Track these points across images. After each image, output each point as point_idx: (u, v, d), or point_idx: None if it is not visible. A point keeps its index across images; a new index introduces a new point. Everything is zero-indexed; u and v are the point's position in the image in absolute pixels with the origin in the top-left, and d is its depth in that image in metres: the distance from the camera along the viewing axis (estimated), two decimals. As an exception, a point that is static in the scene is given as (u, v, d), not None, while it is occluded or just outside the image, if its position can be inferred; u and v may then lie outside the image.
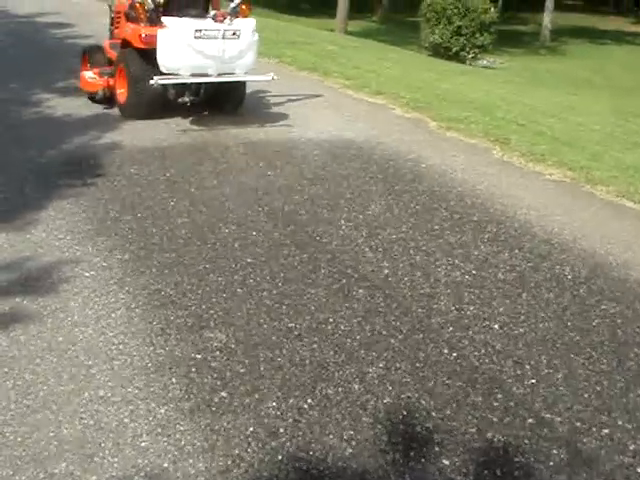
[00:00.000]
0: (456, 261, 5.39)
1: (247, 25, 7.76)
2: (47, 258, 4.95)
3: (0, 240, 5.20)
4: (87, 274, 4.76)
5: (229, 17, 7.57)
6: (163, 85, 7.54)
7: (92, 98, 8.50)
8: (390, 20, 41.57)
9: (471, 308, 4.73)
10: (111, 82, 8.22)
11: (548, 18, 32.49)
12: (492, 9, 21.61)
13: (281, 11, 36.99)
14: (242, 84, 8.31)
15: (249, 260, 5.10)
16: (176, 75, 7.45)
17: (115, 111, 8.57)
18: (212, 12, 7.76)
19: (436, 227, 5.99)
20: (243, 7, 7.86)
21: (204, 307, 4.44)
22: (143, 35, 7.55)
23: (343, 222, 5.90)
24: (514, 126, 9.49)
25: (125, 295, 4.53)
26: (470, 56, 21.26)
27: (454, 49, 21.10)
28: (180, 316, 4.33)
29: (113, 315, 4.30)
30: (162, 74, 7.37)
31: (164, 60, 7.35)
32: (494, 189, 6.99)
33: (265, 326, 4.29)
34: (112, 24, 8.61)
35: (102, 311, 4.33)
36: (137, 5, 7.65)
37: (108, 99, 8.36)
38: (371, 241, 5.59)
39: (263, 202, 6.16)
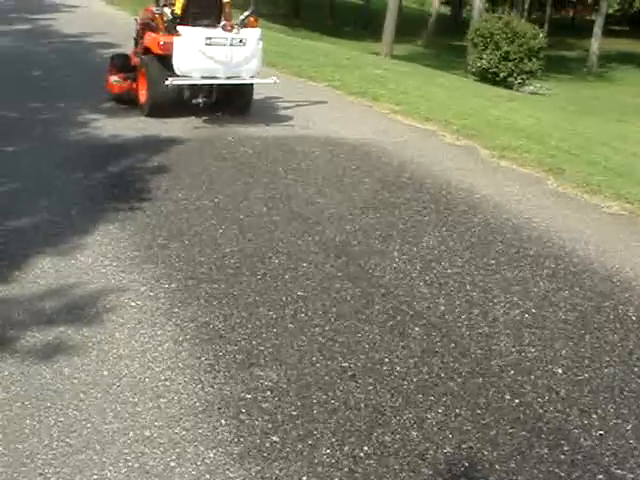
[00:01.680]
0: (514, 298, 5.15)
1: (253, 34, 8.74)
2: (93, 285, 4.79)
3: (46, 264, 5.04)
4: (133, 303, 4.59)
5: (237, 27, 8.53)
6: (178, 86, 8.43)
7: (117, 99, 9.52)
8: (434, 44, 41.49)
9: (532, 350, 4.49)
10: (134, 85, 9.20)
11: (596, 44, 32.16)
12: (541, 34, 21.29)
13: (326, 33, 37.02)
14: (249, 87, 9.20)
15: (300, 293, 4.90)
16: (189, 77, 8.38)
17: (161, 133, 8.49)
18: (222, 22, 8.63)
19: (492, 261, 5.75)
20: (251, 19, 9.01)
21: (254, 342, 4.26)
22: (161, 42, 8.49)
23: (396, 254, 5.68)
24: (567, 155, 9.24)
25: (172, 327, 4.35)
26: (518, 82, 20.96)
27: (502, 74, 20.85)
28: (229, 351, 4.14)
29: (160, 348, 4.13)
30: (177, 77, 8.28)
31: (178, 64, 8.31)
32: (550, 222, 6.75)
33: (318, 365, 4.09)
34: (137, 35, 9.51)
35: (149, 344, 4.16)
36: (157, 17, 8.66)
37: (131, 100, 9.32)
38: (426, 275, 5.37)
39: (313, 231, 5.97)
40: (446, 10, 50.72)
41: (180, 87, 8.54)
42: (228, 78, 8.66)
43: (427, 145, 9.12)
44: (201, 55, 8.31)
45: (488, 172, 8.22)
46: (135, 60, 9.39)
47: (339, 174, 7.54)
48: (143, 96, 9.07)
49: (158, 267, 5.14)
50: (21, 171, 6.95)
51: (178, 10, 8.70)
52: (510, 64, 20.78)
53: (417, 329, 4.60)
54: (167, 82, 8.22)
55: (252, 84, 9.19)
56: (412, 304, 4.92)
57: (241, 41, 8.54)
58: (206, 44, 8.32)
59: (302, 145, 8.45)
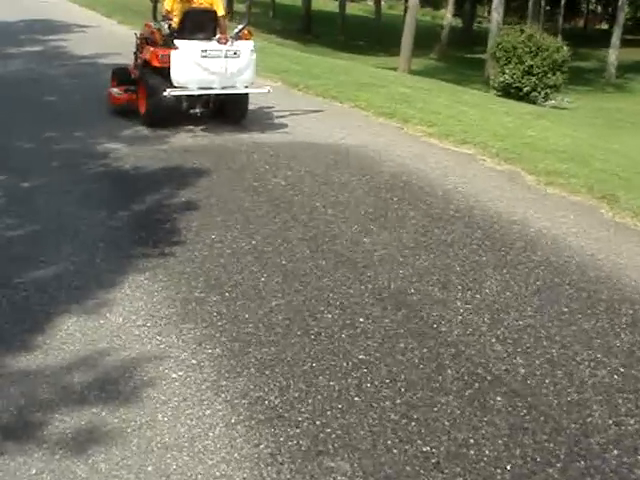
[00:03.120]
0: (598, 355, 4.57)
1: (246, 46, 9.14)
2: (126, 352, 4.20)
3: (71, 326, 4.46)
4: (174, 375, 4.00)
5: (231, 40, 8.97)
6: (176, 97, 8.83)
7: (117, 110, 9.79)
8: (447, 57, 41.09)
9: (631, 422, 3.93)
10: (134, 97, 9.50)
11: (614, 55, 31.56)
12: (564, 47, 20.72)
13: (339, 49, 36.59)
14: (244, 97, 9.53)
15: (361, 357, 4.31)
16: (186, 88, 8.79)
17: (186, 163, 7.95)
18: (217, 36, 9.01)
19: (564, 309, 5.15)
20: (245, 32, 9.42)
21: (318, 423, 3.66)
22: (159, 55, 8.83)
23: (459, 303, 5.08)
24: (617, 179, 8.65)
25: (222, 405, 3.76)
26: (542, 96, 20.37)
27: (525, 89, 20.26)
28: (292, 436, 3.54)
29: (211, 434, 3.53)
30: (175, 88, 8.66)
31: (176, 75, 8.69)
32: (616, 258, 6.16)
33: (395, 451, 3.50)
34: (137, 49, 9.80)
35: (197, 428, 3.57)
36: (155, 31, 9.05)
37: (131, 111, 9.55)
38: (496, 329, 4.77)
39: (365, 278, 5.36)
40: (457, 22, 50.14)
41: (178, 98, 8.95)
42: (223, 88, 9.05)
43: (468, 171, 8.51)
44: (197, 67, 8.73)
45: (537, 201, 7.62)
46: (135, 73, 9.71)
47: (382, 207, 6.95)
48: (142, 107, 9.35)
49: (198, 327, 4.54)
50: (39, 210, 6.38)
51: (175, 25, 9.03)
52: (534, 78, 20.20)
53: (499, 399, 4.01)
54: (165, 93, 8.65)
55: (247, 94, 9.54)
56: (488, 366, 4.32)
57: (235, 53, 8.96)
58: (202, 56, 8.74)
59: (337, 174, 7.85)
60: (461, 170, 8.55)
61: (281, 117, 10.40)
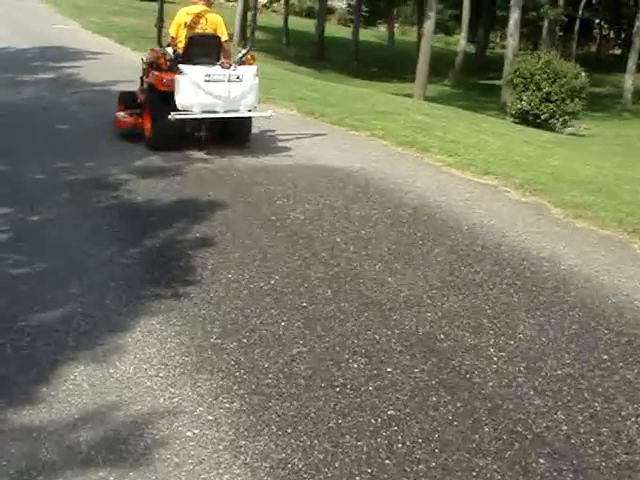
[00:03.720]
0: (645, 409, 4.17)
1: (249, 71, 9.23)
2: (137, 406, 3.88)
3: (79, 376, 4.16)
4: (189, 433, 3.68)
5: (234, 64, 9.13)
6: (180, 120, 8.87)
7: (123, 134, 9.85)
8: (461, 83, 40.90)
9: (688, 487, 3.51)
10: (139, 120, 9.57)
11: (630, 80, 31.25)
12: (583, 74, 20.43)
13: (353, 75, 36.48)
14: (248, 121, 9.63)
15: (391, 412, 3.98)
16: (190, 112, 8.85)
17: (201, 196, 7.70)
18: (220, 60, 9.15)
19: (604, 357, 4.82)
20: (248, 57, 9.58)
21: (347, 491, 3.29)
22: (164, 80, 8.95)
23: (492, 350, 4.75)
24: (647, 212, 8.28)
25: (242, 469, 3.44)
26: (559, 123, 20.06)
27: (543, 116, 19.94)
28: (319, 508, 3.18)
29: (229, 504, 3.17)
30: (179, 111, 8.72)
31: (180, 99, 8.77)
32: (654, 298, 5.78)
33: (434, 526, 3.12)
34: (143, 73, 9.91)
35: (215, 497, 3.21)
36: (160, 56, 9.15)
37: (137, 134, 9.60)
38: (533, 379, 4.44)
39: (391, 322, 5.04)
40: (470, 48, 50.03)
41: (182, 121, 9.00)
42: (227, 112, 9.13)
43: (493, 204, 8.19)
44: (201, 91, 8.84)
45: (566, 236, 7.29)
46: (141, 97, 9.84)
47: (405, 243, 6.63)
48: (147, 130, 9.44)
49: (214, 377, 4.22)
50: (47, 246, 6.09)
51: (180, 50, 9.22)
52: (552, 105, 19.89)
53: (542, 461, 3.68)
54: (170, 117, 8.69)
55: (250, 117, 9.61)
56: (527, 423, 3.99)
57: (238, 77, 9.06)
58: (205, 80, 8.86)
59: (358, 207, 7.54)
60: (485, 203, 8.23)
61: (298, 147, 10.13)
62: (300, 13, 62.89)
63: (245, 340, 4.68)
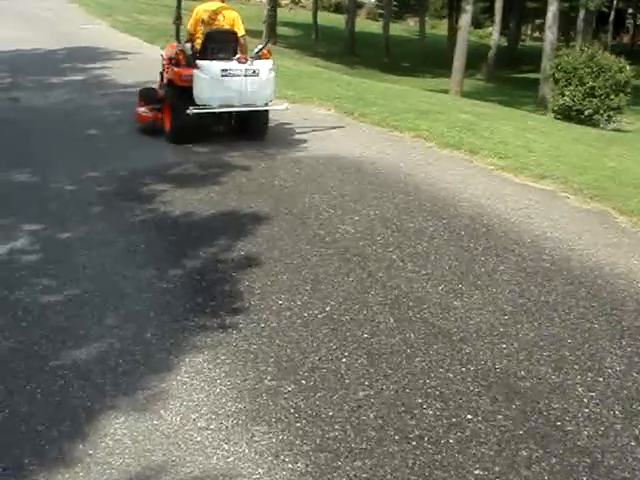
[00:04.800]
0: None
1: (265, 65, 9.38)
2: (187, 468, 3.37)
3: (119, 429, 3.64)
4: (249, 503, 3.10)
5: (250, 59, 9.28)
6: (198, 115, 9.01)
7: (145, 129, 10.03)
8: (494, 77, 40.15)
9: None
10: (159, 115, 9.81)
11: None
12: (627, 67, 19.66)
13: (384, 70, 35.88)
14: (265, 114, 9.75)
15: (478, 472, 3.45)
16: (208, 106, 9.06)
17: (242, 208, 7.30)
18: (237, 55, 9.29)
19: None
20: (265, 51, 9.68)
21: None
22: (183, 75, 9.16)
23: (581, 390, 4.20)
24: None
25: None
26: (604, 119, 19.31)
27: (586, 112, 19.20)
28: None
29: None
30: (197, 106, 8.95)
31: (198, 94, 9.00)
32: None
33: None
34: (163, 69, 10.08)
35: None
36: (179, 52, 9.35)
37: (157, 129, 9.82)
38: (632, 426, 3.93)
39: (464, 355, 4.46)
40: (501, 41, 49.19)
41: (201, 115, 9.09)
42: (243, 106, 9.34)
43: (553, 212, 7.59)
44: (218, 85, 9.03)
45: (637, 247, 6.68)
46: (160, 92, 10.05)
47: (467, 260, 6.05)
48: (168, 125, 9.61)
49: (273, 430, 3.68)
50: (79, 268, 5.60)
51: (198, 46, 9.38)
52: (595, 100, 19.14)
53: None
54: (188, 111, 8.90)
55: (267, 111, 9.76)
56: (636, 485, 3.37)
57: (254, 72, 9.24)
58: (222, 75, 9.05)
59: (411, 219, 6.98)
60: (545, 211, 7.63)
61: (339, 151, 9.59)
62: (328, 8, 62.28)
63: (304, 381, 4.13)
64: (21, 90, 13.22)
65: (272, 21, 36.61)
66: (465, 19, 26.86)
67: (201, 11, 9.58)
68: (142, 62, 16.90)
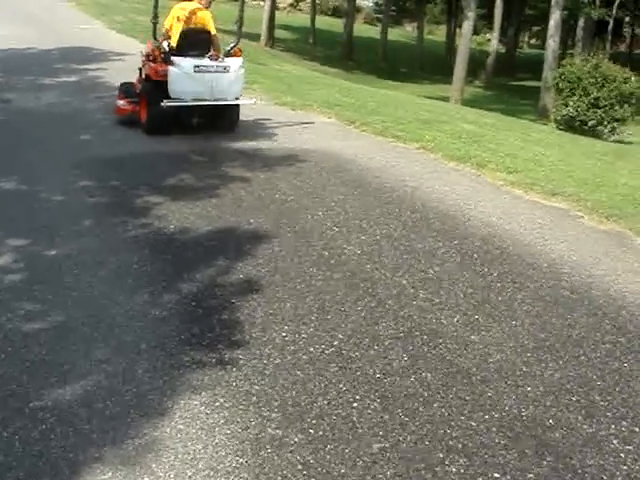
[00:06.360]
0: None
1: (235, 62, 10.11)
2: (181, 538, 2.89)
3: (105, 487, 3.15)
4: None
5: (222, 57, 10.00)
6: (171, 107, 9.62)
7: (122, 121, 10.64)
8: (493, 84, 39.92)
9: None
10: (137, 108, 10.41)
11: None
12: (632, 78, 19.30)
13: (382, 76, 35.57)
14: (235, 108, 10.41)
15: None
16: (181, 100, 9.70)
17: (241, 224, 6.94)
18: (209, 53, 9.97)
19: None
20: (236, 50, 10.37)
21: None
22: (158, 70, 9.77)
23: (616, 443, 3.83)
24: None
25: None
26: (607, 130, 18.95)
27: (590, 123, 18.82)
28: None
29: None
30: (171, 99, 9.56)
31: (172, 88, 9.63)
32: None
33: None
34: (142, 65, 10.62)
35: None
36: (155, 49, 9.92)
37: (134, 121, 10.39)
38: (680, 489, 3.40)
39: (486, 400, 4.06)
40: (498, 48, 48.93)
41: (175, 108, 9.71)
42: (214, 100, 9.96)
43: (568, 233, 7.20)
44: (191, 80, 9.67)
45: (661, 274, 6.26)
46: (138, 87, 10.59)
47: (482, 287, 5.66)
48: (143, 117, 10.21)
49: (279, 492, 3.22)
50: (66, 291, 5.18)
51: (173, 43, 9.98)
52: (600, 111, 18.77)
53: None
54: (163, 104, 9.51)
55: (237, 105, 10.36)
56: None
57: (225, 68, 9.94)
58: (195, 71, 9.72)
59: (420, 239, 6.58)
60: (559, 231, 7.24)
61: (342, 163, 9.19)
62: (326, 12, 61.95)
63: (312, 431, 3.71)
64: (13, 91, 12.80)
65: (271, 24, 36.32)
66: (467, 26, 26.52)
67: (177, 9, 10.19)
68: (138, 63, 16.41)
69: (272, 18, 37.31)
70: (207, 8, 10.36)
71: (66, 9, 29.97)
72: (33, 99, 12.33)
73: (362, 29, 54.72)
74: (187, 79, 9.70)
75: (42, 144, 9.43)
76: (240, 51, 10.50)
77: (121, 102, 10.76)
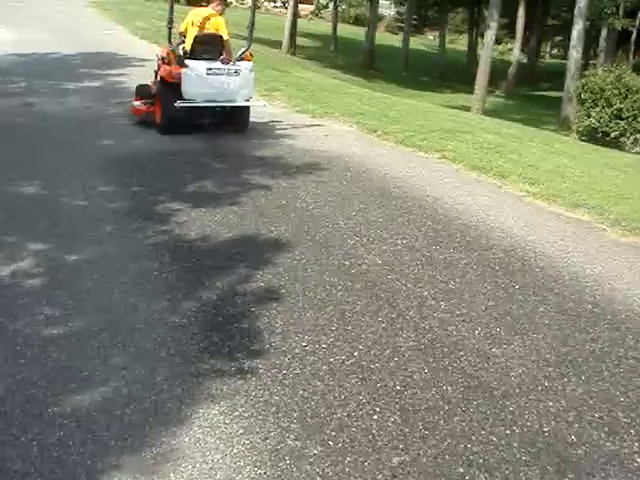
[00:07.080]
0: None
1: (246, 66, 10.56)
2: None
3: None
4: None
5: (233, 60, 10.45)
6: (185, 108, 9.98)
7: (139, 121, 10.98)
8: (514, 94, 39.77)
9: None
10: (151, 108, 10.76)
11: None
12: (657, 89, 19.20)
13: (403, 85, 35.52)
14: (246, 110, 10.85)
15: None
16: (194, 101, 10.09)
17: (261, 232, 6.92)
18: (221, 57, 10.39)
19: None
20: (247, 54, 10.79)
21: None
22: (173, 73, 10.15)
23: (641, 461, 3.66)
24: None
25: None
26: (630, 142, 18.81)
27: (613, 134, 18.69)
28: None
29: None
30: (184, 100, 9.94)
31: (185, 90, 10.05)
32: None
33: None
34: (157, 68, 10.88)
35: None
36: (170, 52, 10.32)
37: (150, 121, 10.73)
38: None
39: (507, 415, 4.01)
40: (520, 57, 48.77)
41: (188, 109, 10.06)
42: (226, 102, 10.45)
43: (590, 245, 7.13)
44: (203, 82, 10.12)
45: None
46: (153, 89, 10.94)
47: (503, 299, 5.60)
48: (158, 117, 10.54)
49: (298, 505, 3.19)
50: (86, 297, 5.16)
51: (187, 47, 10.40)
52: (622, 122, 18.63)
53: None
54: (176, 104, 9.86)
55: (248, 107, 10.81)
56: None
57: (236, 72, 10.38)
58: (207, 74, 10.17)
59: (441, 250, 6.53)
60: (582, 244, 7.17)
61: (364, 172, 9.17)
62: (348, 20, 62.01)
63: (331, 442, 3.67)
64: (36, 95, 12.85)
65: (293, 32, 36.39)
66: (489, 36, 26.43)
67: (192, 15, 10.62)
68: (159, 70, 16.48)
69: (294, 26, 37.38)
70: (221, 14, 10.70)
71: (90, 15, 30.14)
72: (56, 103, 12.38)
73: (383, 37, 54.72)
74: (200, 81, 10.13)
75: (64, 149, 9.45)
76: (251, 55, 10.91)
77: (137, 103, 11.12)
